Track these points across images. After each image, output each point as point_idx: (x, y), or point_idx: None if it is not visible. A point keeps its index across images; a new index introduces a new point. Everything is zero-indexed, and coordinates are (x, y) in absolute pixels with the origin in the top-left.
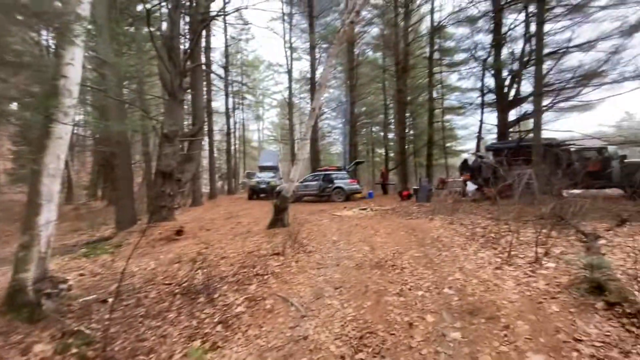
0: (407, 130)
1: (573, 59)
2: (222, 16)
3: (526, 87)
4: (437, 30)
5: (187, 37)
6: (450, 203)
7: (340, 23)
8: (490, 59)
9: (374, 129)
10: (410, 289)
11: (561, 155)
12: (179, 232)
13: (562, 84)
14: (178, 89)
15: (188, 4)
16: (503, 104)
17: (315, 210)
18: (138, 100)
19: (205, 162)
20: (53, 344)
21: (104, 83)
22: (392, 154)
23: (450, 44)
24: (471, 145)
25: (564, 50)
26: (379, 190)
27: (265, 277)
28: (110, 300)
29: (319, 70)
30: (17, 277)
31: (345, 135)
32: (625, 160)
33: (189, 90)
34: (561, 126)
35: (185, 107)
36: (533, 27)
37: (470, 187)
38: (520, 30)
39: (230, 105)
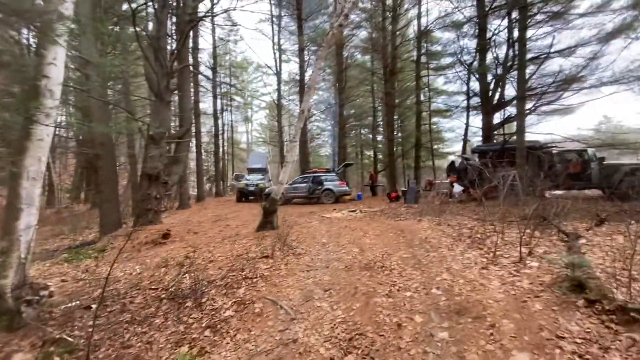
0: (395, 133)
1: (554, 64)
2: (210, 17)
3: (510, 91)
4: (424, 34)
5: (174, 37)
6: (437, 204)
7: (329, 26)
8: (476, 63)
9: (362, 131)
10: (399, 290)
11: (543, 158)
12: (166, 236)
13: (544, 88)
14: (165, 90)
15: (175, 4)
16: (488, 107)
17: (304, 212)
18: (123, 101)
19: (192, 164)
20: (34, 353)
21: (87, 83)
22: (380, 156)
23: (436, 48)
24: (458, 147)
25: (546, 55)
26: (368, 192)
27: (254, 280)
28: (93, 306)
29: (308, 73)
30: None
31: (335, 137)
32: (604, 162)
33: (176, 92)
34: (543, 129)
35: (172, 108)
36: (516, 33)
37: (457, 188)
38: (504, 35)
39: (219, 107)
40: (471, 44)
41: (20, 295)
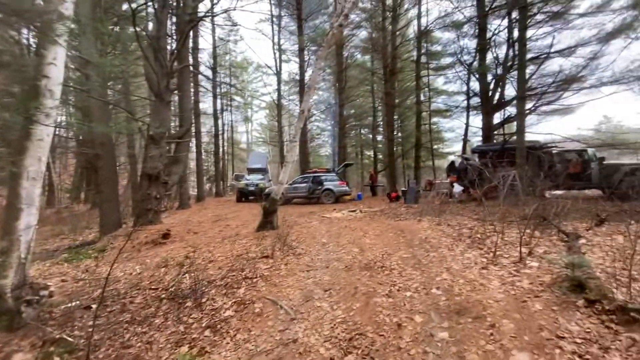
0: (395, 133)
1: (554, 64)
2: (210, 17)
3: (510, 91)
4: (424, 34)
5: (174, 37)
6: (437, 204)
7: (329, 26)
8: (476, 63)
9: (362, 131)
10: (399, 290)
11: (543, 158)
12: (166, 236)
13: (544, 88)
14: (165, 90)
15: (175, 4)
16: (488, 107)
17: (304, 212)
18: (123, 101)
19: (192, 164)
20: (34, 353)
21: (87, 83)
22: (380, 156)
23: (436, 48)
24: (457, 147)
25: (546, 55)
26: (368, 192)
27: (254, 280)
28: (93, 306)
29: (308, 73)
30: None
31: (335, 137)
32: (604, 162)
33: (176, 92)
34: (543, 129)
35: (172, 108)
36: (516, 33)
37: (457, 188)
38: (503, 35)
39: (219, 107)
40: (471, 44)
41: (20, 295)
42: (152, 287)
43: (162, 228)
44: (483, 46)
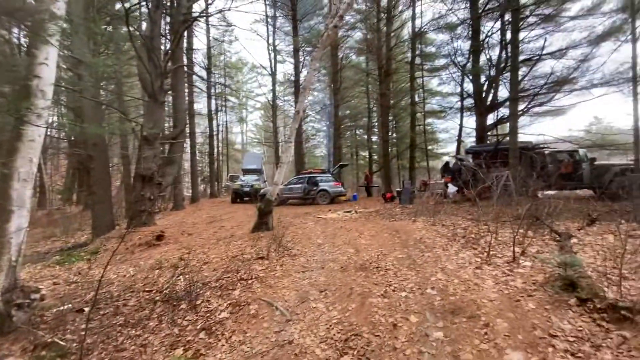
0: (390, 134)
1: (546, 66)
2: (205, 17)
3: (503, 92)
4: (418, 36)
5: (168, 37)
6: (432, 205)
7: (323, 27)
8: (469, 65)
9: (357, 132)
10: (394, 290)
11: (536, 158)
12: (160, 237)
13: (536, 89)
14: (159, 91)
15: (169, 4)
16: (481, 108)
17: (299, 213)
18: (116, 101)
19: (187, 165)
20: (25, 357)
21: (80, 84)
22: (375, 157)
23: (431, 49)
24: (452, 148)
25: (538, 57)
26: (363, 193)
27: (250, 281)
28: (86, 309)
29: (303, 73)
30: None
31: (330, 138)
32: (595, 163)
33: (170, 92)
34: (535, 130)
35: (166, 109)
36: (509, 35)
37: (451, 189)
38: (496, 37)
39: (213, 108)
40: (465, 45)
41: (11, 298)
42: (146, 289)
43: (156, 229)
44: (476, 48)
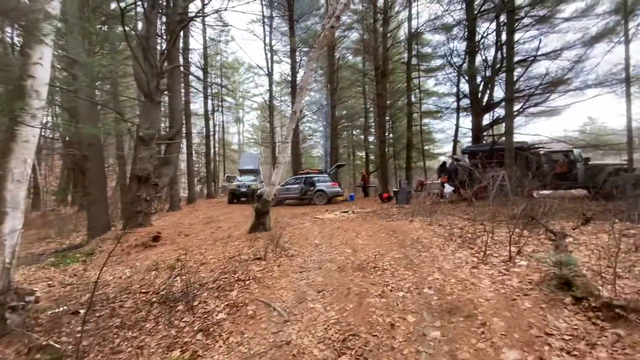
0: (386, 134)
1: (541, 67)
2: (201, 17)
3: (498, 92)
4: (414, 36)
5: (164, 37)
6: (428, 205)
7: (320, 27)
8: (465, 66)
9: (354, 132)
10: (391, 290)
11: (531, 158)
12: (156, 238)
13: (531, 90)
14: (155, 91)
15: (165, 4)
16: (477, 109)
17: (297, 213)
18: (112, 101)
19: (183, 165)
20: None
21: (74, 84)
22: (372, 157)
23: (427, 50)
24: (448, 148)
25: (533, 58)
26: (360, 193)
27: (247, 282)
28: (82, 311)
29: (300, 74)
30: None
31: (327, 138)
32: (589, 163)
33: (166, 92)
34: (531, 130)
35: (163, 109)
36: (504, 36)
37: (448, 189)
38: (492, 38)
39: (210, 108)
40: (461, 46)
41: (5, 301)
42: (143, 290)
43: (152, 230)
44: (472, 49)
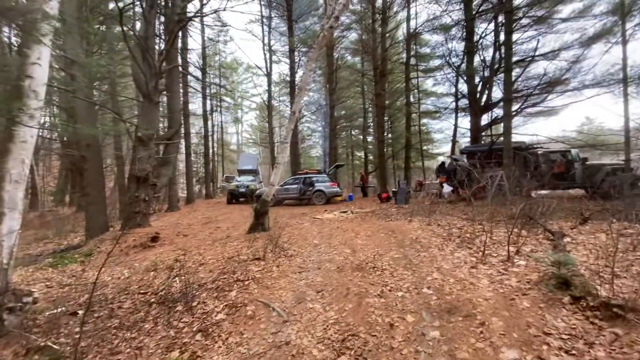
0: (385, 134)
1: (539, 67)
2: (200, 17)
3: (497, 93)
4: (413, 36)
5: (163, 37)
6: (427, 205)
7: (319, 27)
8: (463, 66)
9: (353, 132)
10: (390, 290)
11: (529, 158)
12: (155, 239)
13: (529, 90)
14: (153, 91)
15: (163, 4)
16: (476, 109)
17: (296, 213)
18: (110, 102)
19: (182, 165)
20: None
21: (73, 84)
22: (371, 157)
23: (425, 50)
24: (446, 148)
25: (531, 58)
26: (359, 193)
27: (246, 282)
28: (80, 312)
29: (299, 74)
30: None
31: (325, 138)
32: (587, 163)
33: (164, 92)
34: (529, 130)
35: (161, 109)
36: (502, 36)
37: (447, 188)
38: (490, 39)
39: (208, 108)
40: (459, 46)
41: (2, 302)
42: (141, 291)
43: (150, 231)
44: (470, 49)
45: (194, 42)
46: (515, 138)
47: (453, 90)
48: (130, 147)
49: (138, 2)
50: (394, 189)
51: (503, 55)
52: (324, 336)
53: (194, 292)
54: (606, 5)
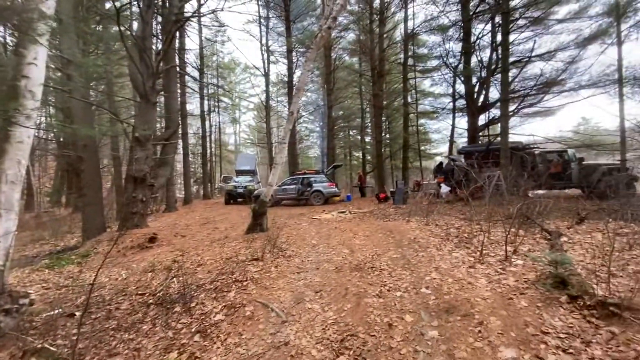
0: (383, 134)
1: (535, 68)
2: (197, 17)
3: (494, 93)
4: (410, 37)
5: (160, 37)
6: (425, 205)
7: (317, 28)
8: (461, 66)
9: (351, 133)
10: (389, 290)
11: (526, 158)
12: (152, 240)
13: (526, 90)
14: (151, 91)
15: (161, 4)
16: (473, 109)
17: (294, 214)
18: (107, 102)
19: (179, 166)
20: None
21: (69, 84)
22: (369, 157)
23: (423, 50)
24: (444, 148)
25: (527, 59)
26: (357, 193)
27: (245, 283)
28: (77, 313)
29: (297, 74)
30: None
31: (323, 138)
32: (583, 163)
33: (162, 93)
34: (525, 130)
35: (158, 109)
36: (499, 37)
37: (444, 189)
38: (487, 39)
39: (206, 108)
40: (456, 47)
41: None
42: (139, 292)
43: (148, 232)
44: (468, 49)
45: (192, 42)
46: (512, 138)
47: (450, 90)
48: (127, 148)
49: (135, 2)
50: (391, 189)
51: (500, 56)
52: (322, 336)
53: (192, 293)
54: (602, 6)
